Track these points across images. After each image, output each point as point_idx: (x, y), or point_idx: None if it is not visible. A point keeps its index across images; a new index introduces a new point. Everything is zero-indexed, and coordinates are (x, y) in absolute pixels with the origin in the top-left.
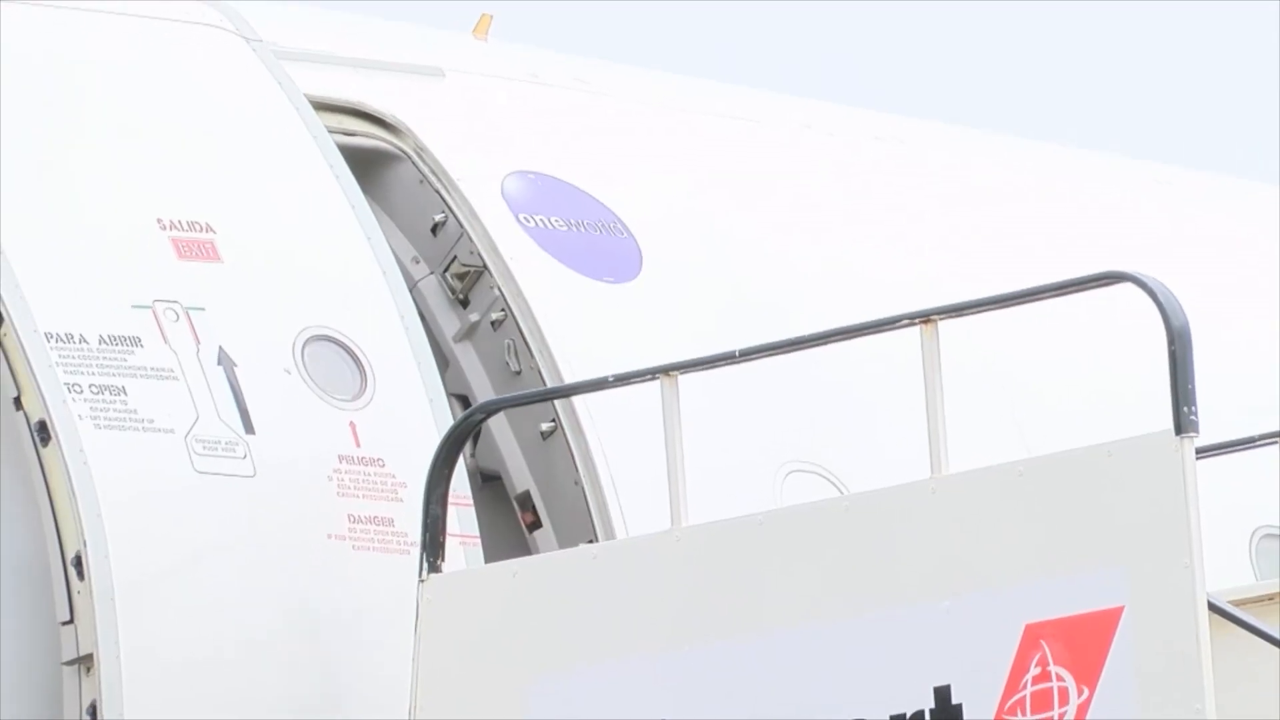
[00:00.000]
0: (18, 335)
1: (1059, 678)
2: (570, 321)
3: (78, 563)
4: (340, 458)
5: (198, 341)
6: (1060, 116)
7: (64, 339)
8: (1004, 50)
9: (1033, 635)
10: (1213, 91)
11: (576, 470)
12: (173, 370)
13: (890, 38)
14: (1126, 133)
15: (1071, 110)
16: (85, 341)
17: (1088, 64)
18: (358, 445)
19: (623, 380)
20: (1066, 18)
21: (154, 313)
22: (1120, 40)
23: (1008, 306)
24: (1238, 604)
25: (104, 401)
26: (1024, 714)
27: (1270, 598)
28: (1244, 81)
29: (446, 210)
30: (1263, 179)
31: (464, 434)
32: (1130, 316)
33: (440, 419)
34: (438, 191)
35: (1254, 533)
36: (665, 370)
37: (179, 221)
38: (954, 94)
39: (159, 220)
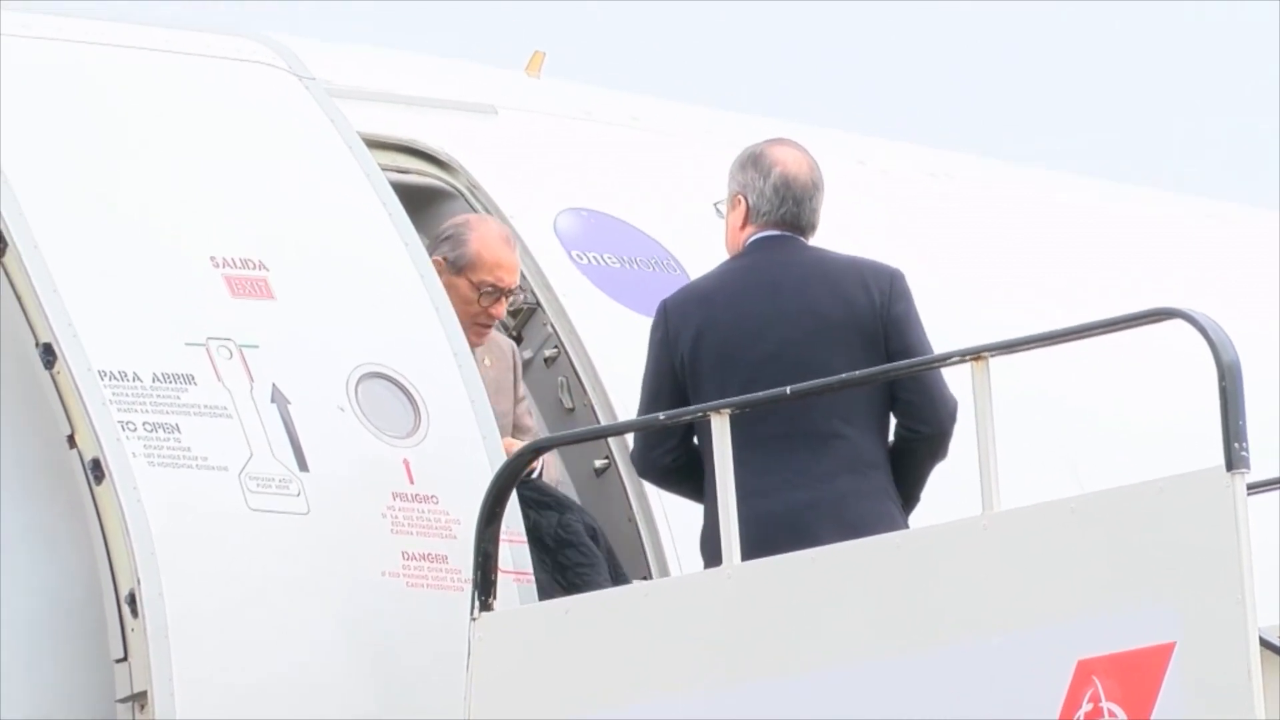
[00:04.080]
0: (71, 373)
1: (1111, 714)
2: (623, 358)
3: (131, 600)
4: (394, 495)
5: (251, 379)
6: (1058, 125)
7: (117, 377)
8: (1003, 56)
9: (1085, 671)
10: (1213, 94)
11: (630, 507)
12: (226, 408)
13: (895, 45)
14: (1122, 140)
15: (1069, 118)
16: (139, 379)
17: (1086, 68)
18: (411, 482)
19: (674, 417)
20: (1065, 21)
21: (207, 350)
22: (1119, 42)
23: (1058, 343)
24: None
25: (157, 439)
26: None
27: None
28: (1244, 83)
29: None
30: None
31: (515, 472)
32: (1181, 351)
33: (494, 456)
34: None
35: None
36: (716, 408)
37: (232, 259)
38: (950, 104)
39: (212, 258)
